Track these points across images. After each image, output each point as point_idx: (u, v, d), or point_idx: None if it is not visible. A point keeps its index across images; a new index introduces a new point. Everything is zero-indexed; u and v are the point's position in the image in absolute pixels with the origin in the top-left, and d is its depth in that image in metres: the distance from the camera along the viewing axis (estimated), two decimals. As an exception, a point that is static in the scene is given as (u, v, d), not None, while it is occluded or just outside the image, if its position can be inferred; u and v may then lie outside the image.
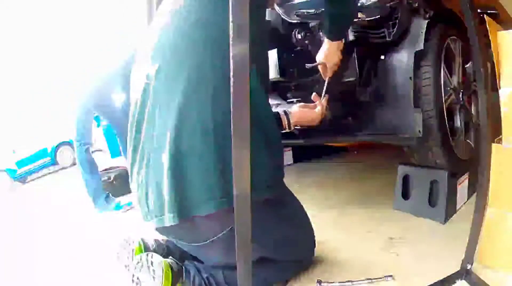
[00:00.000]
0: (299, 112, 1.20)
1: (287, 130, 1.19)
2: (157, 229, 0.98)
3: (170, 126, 0.87)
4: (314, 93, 1.24)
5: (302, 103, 1.26)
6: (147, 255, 0.97)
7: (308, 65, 1.26)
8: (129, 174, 1.03)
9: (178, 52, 0.91)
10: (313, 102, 1.24)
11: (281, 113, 1.18)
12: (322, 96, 1.24)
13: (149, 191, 0.93)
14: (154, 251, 1.07)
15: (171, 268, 0.96)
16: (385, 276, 1.01)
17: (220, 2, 0.86)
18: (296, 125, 1.20)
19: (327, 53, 1.21)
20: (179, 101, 0.87)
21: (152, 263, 0.95)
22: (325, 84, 1.25)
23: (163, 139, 0.88)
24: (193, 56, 0.89)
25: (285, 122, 1.17)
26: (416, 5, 1.27)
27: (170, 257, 1.02)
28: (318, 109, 1.21)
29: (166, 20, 0.98)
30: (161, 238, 1.13)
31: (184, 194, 0.86)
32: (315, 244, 1.13)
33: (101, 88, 2.32)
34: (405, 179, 1.47)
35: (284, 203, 1.05)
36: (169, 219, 0.88)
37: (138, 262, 0.97)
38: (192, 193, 0.86)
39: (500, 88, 0.92)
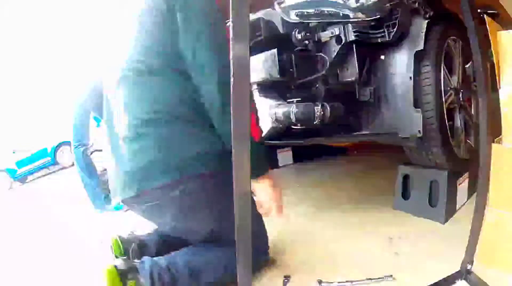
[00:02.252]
0: None
1: None
2: (123, 201, 1.04)
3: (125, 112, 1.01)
4: None
5: None
6: None
7: None
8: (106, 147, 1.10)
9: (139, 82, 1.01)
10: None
11: None
12: None
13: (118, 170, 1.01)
14: (129, 241, 1.15)
15: (116, 268, 0.97)
16: (385, 276, 1.01)
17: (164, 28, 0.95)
18: None
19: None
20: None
21: None
22: None
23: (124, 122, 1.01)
24: (155, 86, 0.99)
25: None
26: (416, 5, 1.27)
27: (121, 257, 1.05)
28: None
29: (128, 32, 1.06)
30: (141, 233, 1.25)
31: (140, 173, 0.95)
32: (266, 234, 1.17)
33: (99, 89, 2.31)
34: (405, 179, 1.47)
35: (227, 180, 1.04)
36: (127, 193, 0.97)
37: None
38: (146, 172, 0.95)
39: (500, 88, 0.92)
